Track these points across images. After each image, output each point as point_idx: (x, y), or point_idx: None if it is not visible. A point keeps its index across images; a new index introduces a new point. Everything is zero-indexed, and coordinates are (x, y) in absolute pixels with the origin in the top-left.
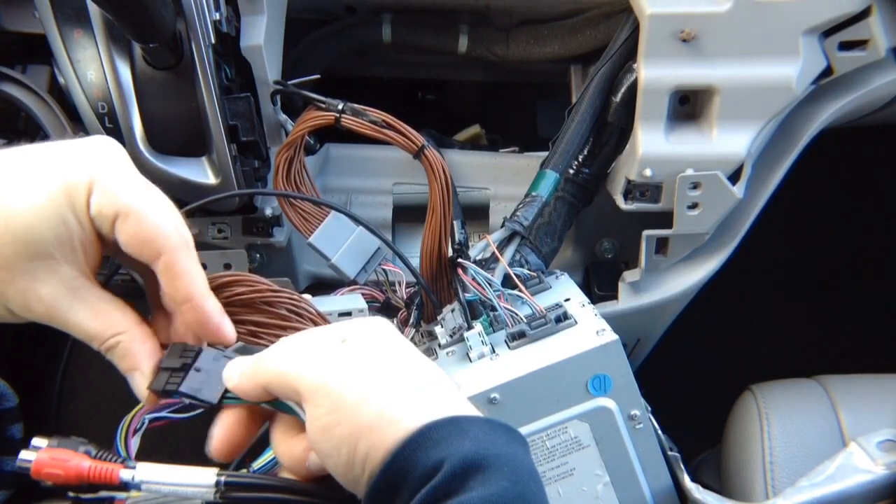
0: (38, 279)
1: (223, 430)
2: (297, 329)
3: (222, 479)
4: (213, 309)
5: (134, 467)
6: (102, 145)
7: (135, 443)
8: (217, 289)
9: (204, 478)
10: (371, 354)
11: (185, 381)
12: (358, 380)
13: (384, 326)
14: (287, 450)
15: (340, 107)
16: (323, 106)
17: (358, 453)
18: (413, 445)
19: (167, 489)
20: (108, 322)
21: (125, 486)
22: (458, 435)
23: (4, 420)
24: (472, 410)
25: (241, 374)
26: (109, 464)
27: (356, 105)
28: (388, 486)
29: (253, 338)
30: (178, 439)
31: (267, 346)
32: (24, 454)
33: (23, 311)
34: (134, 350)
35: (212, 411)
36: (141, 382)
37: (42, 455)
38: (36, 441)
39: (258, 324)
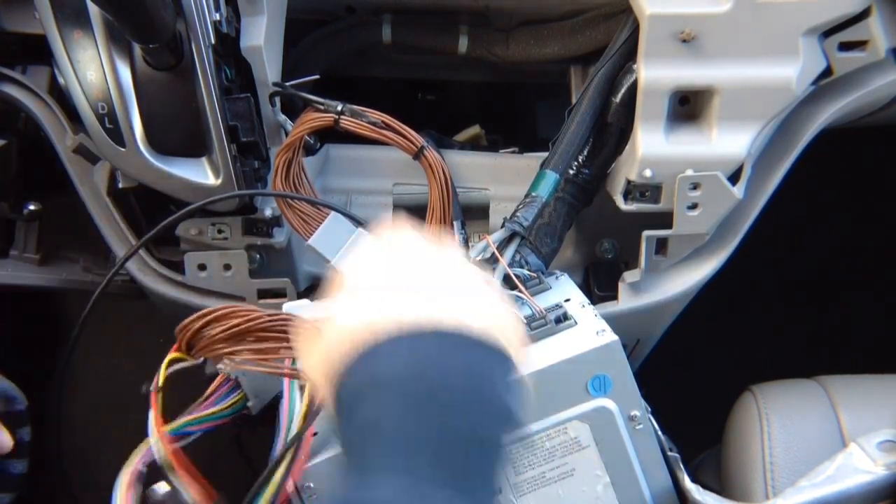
0: None
1: None
2: None
3: None
4: None
5: None
6: None
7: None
8: (210, 322)
9: None
10: None
11: None
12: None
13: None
14: None
15: (339, 108)
16: (322, 107)
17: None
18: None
19: None
20: None
21: None
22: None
23: (14, 423)
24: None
25: None
26: None
27: (355, 106)
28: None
29: (260, 364)
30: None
31: (275, 371)
32: None
33: None
34: None
35: None
36: None
37: None
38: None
39: (261, 351)
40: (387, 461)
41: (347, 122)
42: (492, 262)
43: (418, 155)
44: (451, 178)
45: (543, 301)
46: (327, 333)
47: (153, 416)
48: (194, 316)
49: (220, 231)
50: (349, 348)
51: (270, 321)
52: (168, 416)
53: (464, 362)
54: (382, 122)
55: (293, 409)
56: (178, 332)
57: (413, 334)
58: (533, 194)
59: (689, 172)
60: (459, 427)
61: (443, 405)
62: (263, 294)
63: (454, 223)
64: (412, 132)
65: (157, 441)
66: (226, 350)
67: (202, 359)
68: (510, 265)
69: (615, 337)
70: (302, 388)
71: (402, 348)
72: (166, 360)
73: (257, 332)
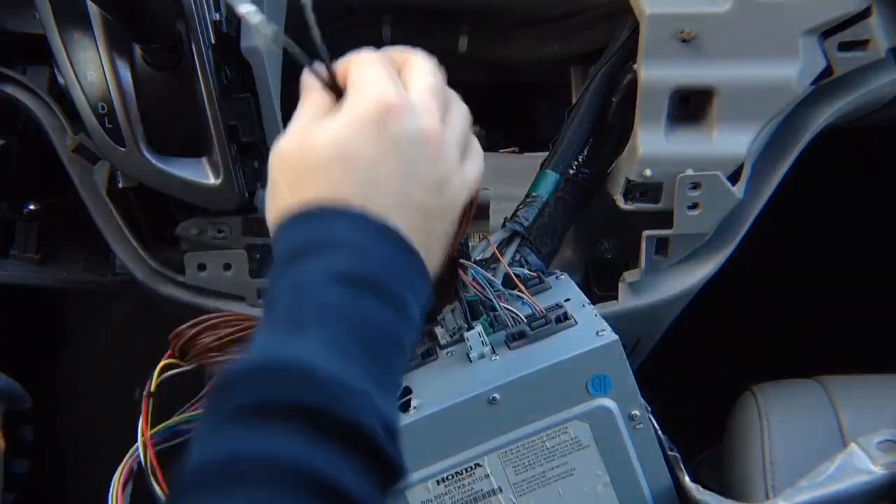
0: None
1: None
2: None
3: None
4: None
5: None
6: None
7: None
8: (203, 331)
9: None
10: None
11: None
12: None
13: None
14: None
15: None
16: None
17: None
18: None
19: None
20: None
21: None
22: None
23: (18, 422)
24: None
25: None
26: None
27: None
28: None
29: None
30: None
31: None
32: None
33: None
34: None
35: None
36: None
37: None
38: None
39: None
40: (318, 327)
41: None
42: (492, 262)
43: None
44: None
45: (543, 301)
46: (294, 167)
47: (141, 422)
48: (187, 323)
49: (220, 231)
50: (308, 197)
51: None
52: (168, 415)
53: (401, 262)
54: None
55: None
56: (172, 338)
57: (361, 215)
58: (533, 194)
59: (690, 172)
60: (386, 320)
61: (378, 294)
62: (263, 294)
63: None
64: None
65: (143, 446)
66: (218, 358)
67: (195, 364)
68: (510, 265)
69: (615, 337)
70: None
71: (346, 221)
72: (159, 367)
73: (249, 340)
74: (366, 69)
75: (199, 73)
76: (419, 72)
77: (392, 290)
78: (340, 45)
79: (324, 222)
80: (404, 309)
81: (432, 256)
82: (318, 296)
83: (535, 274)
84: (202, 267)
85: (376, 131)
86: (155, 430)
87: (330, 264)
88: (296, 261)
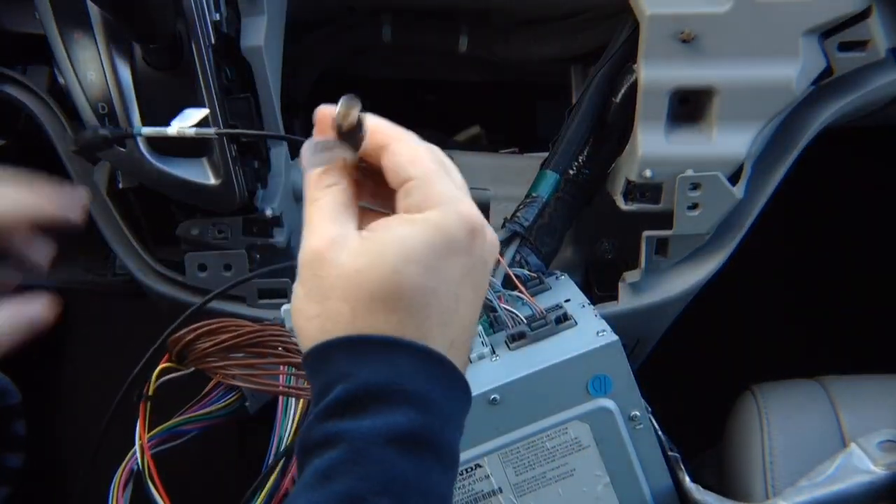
0: None
1: None
2: (294, 363)
3: None
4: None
5: None
6: None
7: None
8: (201, 336)
9: None
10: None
11: None
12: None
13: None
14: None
15: None
16: None
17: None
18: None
19: None
20: None
21: None
22: (375, 359)
23: (8, 417)
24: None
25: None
26: None
27: None
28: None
29: (251, 380)
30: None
31: (265, 388)
32: None
33: None
34: None
35: None
36: None
37: None
38: None
39: (252, 365)
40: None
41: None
42: None
43: None
44: None
45: (543, 301)
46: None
47: (139, 425)
48: (186, 328)
49: (220, 231)
50: (375, 324)
51: (260, 336)
52: (169, 415)
53: (456, 402)
54: None
55: (286, 422)
56: (171, 342)
57: (429, 355)
58: (533, 194)
59: (690, 172)
60: (443, 484)
61: (436, 454)
62: (263, 294)
63: None
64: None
65: (140, 450)
66: (216, 364)
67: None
68: (510, 265)
69: (615, 337)
70: (296, 400)
71: (411, 361)
72: (157, 370)
73: (246, 347)
74: (433, 174)
75: (199, 73)
76: (436, 152)
77: (445, 440)
78: (341, 45)
79: (389, 360)
80: (452, 456)
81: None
82: (382, 464)
83: (535, 274)
84: (202, 267)
85: (465, 259)
86: (153, 431)
87: (397, 418)
88: (355, 410)
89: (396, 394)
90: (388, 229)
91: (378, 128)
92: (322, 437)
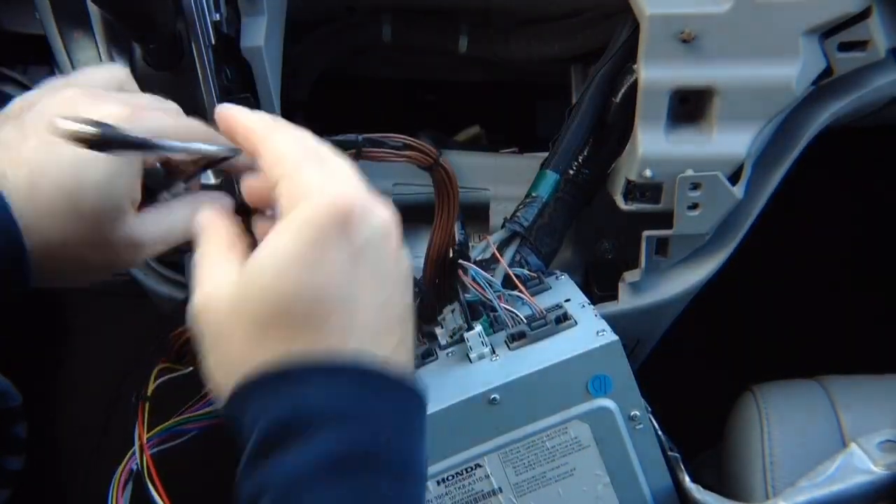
0: None
1: None
2: None
3: None
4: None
5: None
6: None
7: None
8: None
9: None
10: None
11: None
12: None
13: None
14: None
15: (359, 140)
16: (341, 143)
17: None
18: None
19: None
20: None
21: None
22: (285, 391)
23: (8, 419)
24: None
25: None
26: None
27: (373, 135)
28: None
29: None
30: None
31: None
32: None
33: None
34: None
35: None
36: None
37: None
38: None
39: None
40: None
41: (370, 153)
42: (492, 262)
43: (433, 167)
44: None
45: (543, 301)
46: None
47: (138, 425)
48: (183, 327)
49: None
50: (276, 351)
51: None
52: (168, 415)
53: (396, 407)
54: (403, 143)
55: None
56: (169, 342)
57: (333, 367)
58: (533, 194)
59: (690, 172)
60: (389, 498)
61: (377, 470)
62: None
63: (455, 224)
64: (427, 146)
65: (139, 450)
66: None
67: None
68: (510, 265)
69: (615, 337)
70: None
71: (325, 379)
72: (155, 370)
73: None
74: (296, 168)
75: (199, 73)
76: (302, 142)
77: (384, 448)
78: (341, 45)
79: (300, 386)
80: (403, 461)
81: (410, 351)
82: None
83: (535, 274)
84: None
85: (347, 246)
86: (153, 431)
87: (316, 448)
88: (273, 451)
89: (309, 421)
90: (261, 247)
91: (247, 132)
92: (248, 493)
